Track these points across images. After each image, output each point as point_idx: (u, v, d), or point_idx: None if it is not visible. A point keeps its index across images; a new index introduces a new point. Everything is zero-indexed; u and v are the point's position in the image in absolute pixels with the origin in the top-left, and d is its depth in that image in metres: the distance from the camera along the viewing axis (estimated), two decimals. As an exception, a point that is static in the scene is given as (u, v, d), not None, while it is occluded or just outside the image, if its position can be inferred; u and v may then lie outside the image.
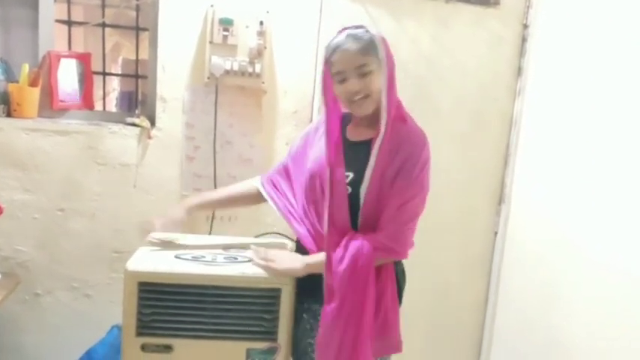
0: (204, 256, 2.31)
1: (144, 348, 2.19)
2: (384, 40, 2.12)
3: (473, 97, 3.38)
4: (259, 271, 2.19)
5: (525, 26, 3.34)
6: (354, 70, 2.09)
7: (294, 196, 2.37)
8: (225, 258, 2.31)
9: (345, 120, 2.28)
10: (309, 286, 2.19)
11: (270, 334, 2.21)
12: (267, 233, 2.67)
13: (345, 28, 2.14)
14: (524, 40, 3.35)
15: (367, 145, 2.12)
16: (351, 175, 2.14)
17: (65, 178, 3.11)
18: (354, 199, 2.13)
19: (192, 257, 2.29)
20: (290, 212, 2.36)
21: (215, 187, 3.17)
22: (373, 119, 2.14)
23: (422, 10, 3.25)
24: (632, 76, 2.50)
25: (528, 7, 3.32)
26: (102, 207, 3.17)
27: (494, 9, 3.31)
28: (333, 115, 2.22)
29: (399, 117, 2.14)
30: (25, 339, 3.22)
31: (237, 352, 2.21)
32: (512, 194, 3.41)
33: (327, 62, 2.16)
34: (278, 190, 2.44)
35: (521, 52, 3.37)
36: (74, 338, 3.14)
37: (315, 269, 2.16)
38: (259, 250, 2.27)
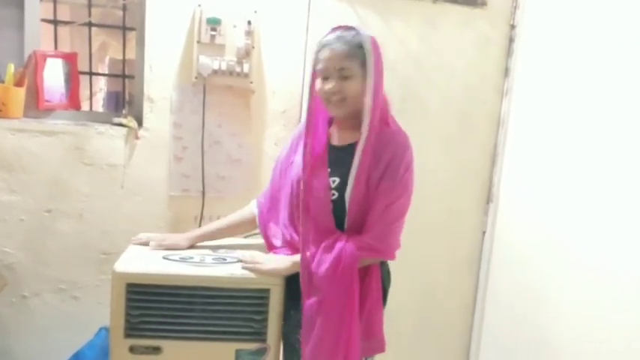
0: (192, 257, 2.31)
1: (132, 350, 2.19)
2: (374, 42, 2.14)
3: (460, 98, 3.39)
4: (248, 272, 2.19)
5: (512, 27, 3.35)
6: (336, 72, 2.12)
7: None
8: (213, 259, 2.31)
9: (330, 123, 2.30)
10: (297, 284, 2.18)
11: (260, 335, 2.22)
12: (254, 234, 2.66)
13: (338, 27, 2.16)
14: (511, 40, 3.36)
15: (352, 149, 2.14)
16: (337, 179, 2.16)
17: (52, 179, 3.09)
18: (340, 203, 2.14)
19: (181, 258, 2.29)
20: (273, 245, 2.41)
21: (203, 187, 3.18)
22: (356, 123, 2.16)
23: (409, 11, 3.25)
24: (620, 75, 2.50)
25: (515, 7, 3.32)
26: (89, 208, 3.15)
27: (482, 9, 3.32)
28: (319, 115, 2.25)
29: (383, 121, 2.17)
30: (12, 342, 3.19)
31: (227, 353, 2.22)
32: (499, 194, 3.42)
33: (315, 58, 2.19)
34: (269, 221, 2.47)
35: (509, 53, 3.37)
36: (62, 340, 3.12)
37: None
38: (245, 254, 2.29)
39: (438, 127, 3.38)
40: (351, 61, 2.10)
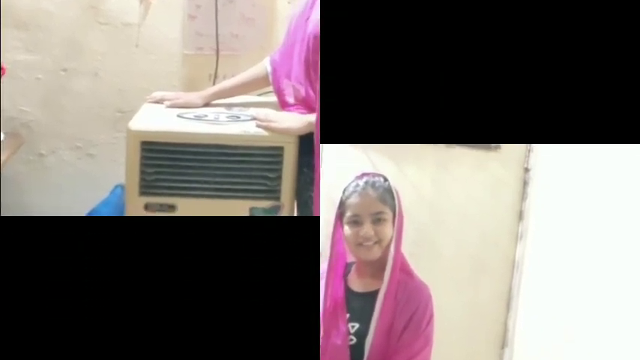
0: (206, 115, 2.31)
1: (147, 207, 2.22)
2: (397, 192, 2.10)
3: (474, 241, 3.22)
4: (262, 130, 2.20)
5: (526, 170, 3.19)
6: (370, 216, 2.04)
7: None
8: (227, 117, 2.31)
9: (346, 270, 2.22)
10: (310, 140, 2.19)
11: (274, 193, 2.24)
12: (268, 92, 2.66)
13: (364, 174, 2.11)
14: (525, 183, 3.21)
15: (373, 296, 2.08)
16: (356, 325, 2.09)
17: (68, 38, 3.08)
18: (358, 349, 2.08)
19: (195, 116, 2.30)
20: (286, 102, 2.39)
21: (217, 46, 3.14)
22: (378, 269, 2.09)
23: (423, 155, 3.07)
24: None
25: (529, 150, 3.16)
26: (104, 67, 3.15)
27: (495, 152, 3.16)
28: (340, 260, 2.18)
29: (406, 270, 2.13)
30: (28, 199, 3.26)
31: (241, 211, 2.23)
32: (514, 338, 3.35)
33: (342, 205, 2.10)
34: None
35: (523, 196, 3.24)
36: (77, 198, 3.18)
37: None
38: (260, 112, 2.29)
39: (450, 271, 3.23)
40: (385, 205, 2.04)
